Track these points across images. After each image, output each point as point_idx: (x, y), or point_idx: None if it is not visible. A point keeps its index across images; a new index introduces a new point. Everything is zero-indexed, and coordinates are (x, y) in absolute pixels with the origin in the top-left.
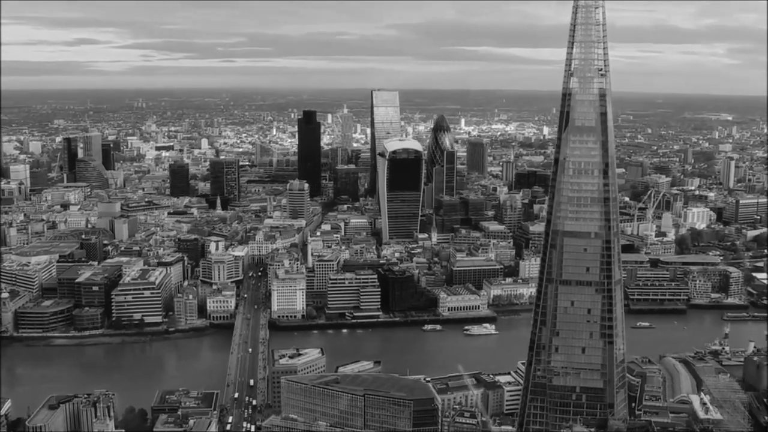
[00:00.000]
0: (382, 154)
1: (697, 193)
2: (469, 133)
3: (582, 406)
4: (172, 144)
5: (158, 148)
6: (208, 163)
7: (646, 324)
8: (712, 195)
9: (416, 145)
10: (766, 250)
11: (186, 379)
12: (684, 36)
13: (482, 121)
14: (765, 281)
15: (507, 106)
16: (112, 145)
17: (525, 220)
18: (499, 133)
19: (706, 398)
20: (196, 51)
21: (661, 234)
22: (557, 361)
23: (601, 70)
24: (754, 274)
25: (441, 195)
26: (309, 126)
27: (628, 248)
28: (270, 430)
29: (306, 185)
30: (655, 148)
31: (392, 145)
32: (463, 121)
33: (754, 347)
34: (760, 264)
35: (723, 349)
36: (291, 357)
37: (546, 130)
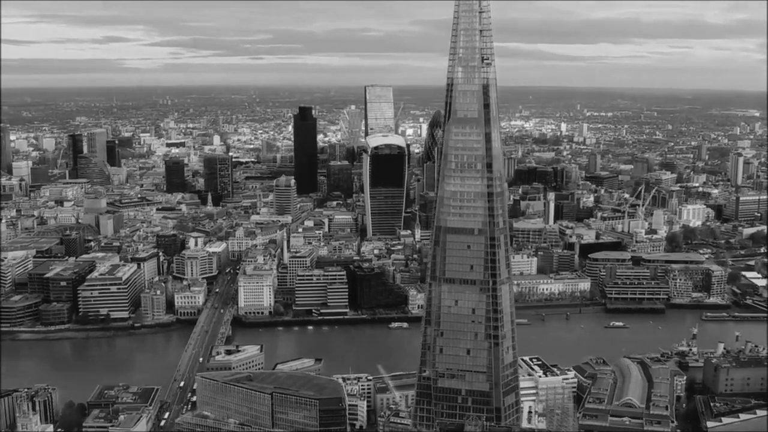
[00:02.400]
0: (365, 150)
1: (700, 189)
2: None
3: (468, 410)
4: (183, 141)
5: (169, 145)
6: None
7: (620, 324)
8: (715, 192)
9: (399, 141)
10: (764, 248)
11: (136, 374)
12: (714, 31)
13: (503, 117)
14: (753, 280)
15: (533, 102)
16: (117, 142)
17: (512, 216)
18: (516, 130)
19: (537, 406)
20: (223, 48)
21: (651, 231)
22: (442, 362)
23: (487, 59)
24: (743, 273)
25: (426, 191)
26: (304, 122)
27: (614, 246)
28: (180, 428)
29: (293, 181)
30: (672, 144)
31: (375, 140)
32: None
33: (724, 348)
34: (752, 262)
35: (690, 350)
36: (228, 353)
37: (564, 126)
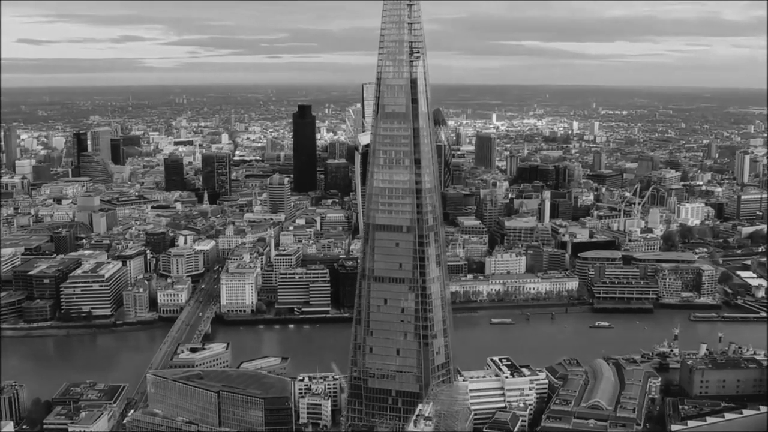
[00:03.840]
0: (356, 148)
1: (703, 188)
2: (498, 128)
3: (399, 411)
4: (191, 139)
5: (176, 143)
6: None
7: (605, 324)
8: (719, 190)
9: None
10: (762, 247)
11: (109, 371)
12: (733, 29)
13: (516, 116)
14: (748, 280)
15: (549, 101)
16: (122, 140)
17: (507, 214)
18: (528, 128)
19: (430, 409)
20: (241, 47)
21: (647, 230)
22: (372, 362)
23: (417, 53)
24: (738, 273)
25: None
26: (303, 120)
27: (607, 245)
28: (130, 426)
29: (286, 179)
30: (683, 142)
31: (365, 138)
32: (494, 116)
33: (707, 349)
34: (748, 262)
35: (671, 351)
36: (192, 351)
37: (576, 124)
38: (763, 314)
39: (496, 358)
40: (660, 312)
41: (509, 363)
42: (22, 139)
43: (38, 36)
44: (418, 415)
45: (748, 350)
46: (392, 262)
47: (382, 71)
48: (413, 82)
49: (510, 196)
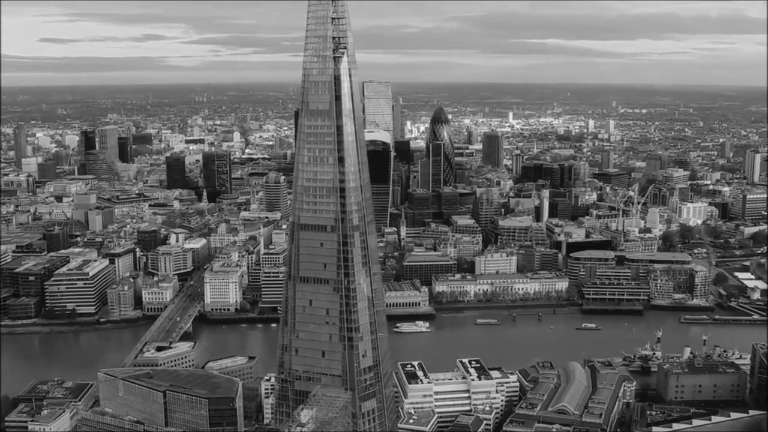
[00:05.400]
0: None
1: (711, 187)
2: (513, 126)
3: None
4: (203, 138)
5: (187, 141)
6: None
7: (592, 325)
8: (726, 190)
9: (385, 137)
10: (764, 248)
11: (83, 369)
12: (758, 26)
13: (534, 114)
14: (746, 281)
15: (570, 99)
16: (131, 139)
17: (505, 214)
18: (543, 127)
19: (306, 415)
20: (262, 46)
21: (645, 230)
22: (299, 364)
23: (343, 47)
24: (735, 274)
25: (415, 189)
26: None
27: (603, 245)
28: (78, 427)
29: (282, 178)
30: (698, 141)
31: None
32: (511, 114)
33: (691, 353)
34: (747, 263)
35: (654, 354)
36: (158, 350)
37: (591, 123)
38: (756, 317)
39: (465, 360)
40: (650, 314)
41: (478, 365)
42: (37, 137)
43: (61, 35)
44: (293, 420)
45: (733, 354)
46: (317, 262)
47: (307, 67)
48: (336, 79)
49: (511, 195)
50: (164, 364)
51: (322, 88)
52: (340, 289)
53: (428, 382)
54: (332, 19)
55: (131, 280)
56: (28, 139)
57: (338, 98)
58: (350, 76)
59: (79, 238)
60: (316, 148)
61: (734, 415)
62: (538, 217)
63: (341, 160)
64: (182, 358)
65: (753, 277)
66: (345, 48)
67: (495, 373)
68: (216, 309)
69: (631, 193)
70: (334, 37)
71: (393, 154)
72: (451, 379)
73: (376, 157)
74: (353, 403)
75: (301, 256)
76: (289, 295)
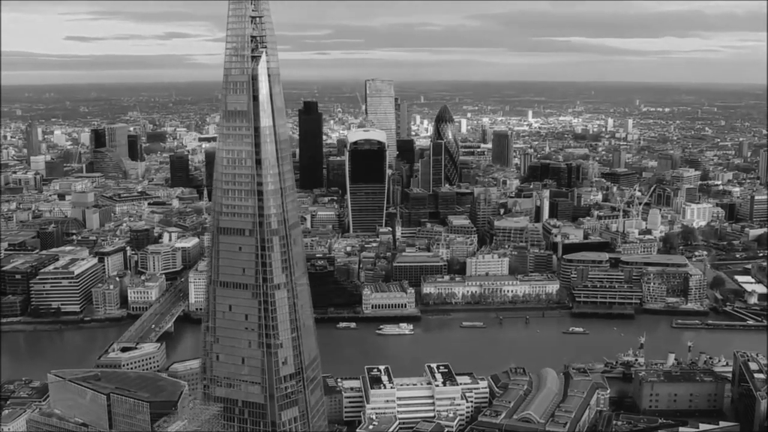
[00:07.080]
0: (345, 145)
1: (721, 188)
2: (531, 125)
3: (246, 422)
4: (216, 135)
5: (201, 140)
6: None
7: (580, 329)
8: (737, 190)
9: (380, 136)
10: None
11: (58, 367)
12: None
13: (554, 113)
14: (745, 285)
15: (594, 97)
16: (145, 136)
17: (502, 213)
18: (561, 126)
19: (173, 426)
20: (287, 43)
21: (645, 231)
22: (220, 370)
23: (263, 46)
24: (735, 277)
25: (411, 188)
26: (309, 117)
27: (601, 246)
28: (27, 428)
29: None
30: (718, 140)
31: (354, 135)
32: (530, 113)
33: (675, 359)
34: (749, 266)
35: (636, 360)
36: (123, 351)
37: (611, 122)
38: (751, 322)
39: (433, 365)
40: (642, 318)
41: (446, 370)
42: (54, 135)
43: (85, 33)
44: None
45: (719, 361)
46: (235, 266)
47: (227, 68)
48: (254, 79)
49: (511, 195)
50: (127, 365)
51: (239, 88)
52: (259, 295)
53: (391, 388)
54: (251, 17)
55: (117, 279)
56: (46, 136)
57: (256, 98)
58: (270, 75)
59: (74, 237)
60: (234, 150)
61: (703, 427)
62: (537, 217)
63: (259, 163)
64: (147, 359)
65: (753, 280)
66: (265, 47)
67: (464, 379)
68: (200, 308)
69: (638, 194)
70: (253, 37)
71: (395, 153)
72: (415, 385)
73: (372, 156)
74: (272, 411)
75: (220, 261)
76: (210, 299)
